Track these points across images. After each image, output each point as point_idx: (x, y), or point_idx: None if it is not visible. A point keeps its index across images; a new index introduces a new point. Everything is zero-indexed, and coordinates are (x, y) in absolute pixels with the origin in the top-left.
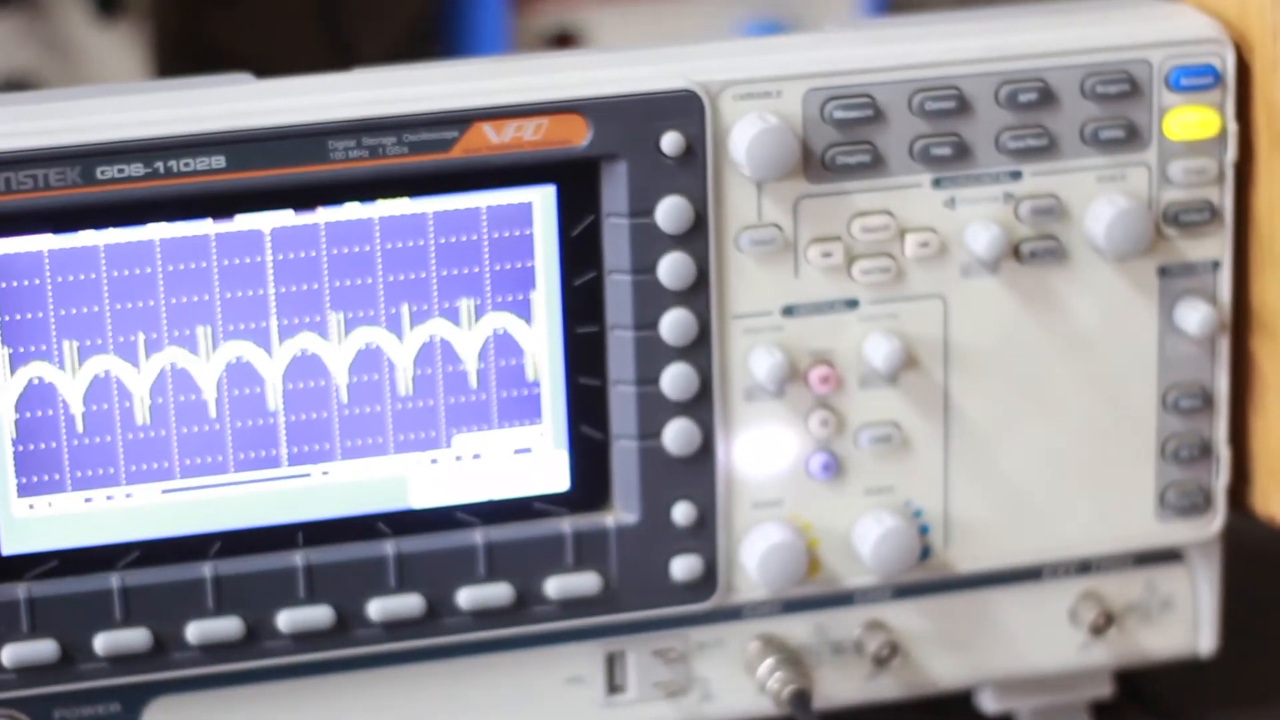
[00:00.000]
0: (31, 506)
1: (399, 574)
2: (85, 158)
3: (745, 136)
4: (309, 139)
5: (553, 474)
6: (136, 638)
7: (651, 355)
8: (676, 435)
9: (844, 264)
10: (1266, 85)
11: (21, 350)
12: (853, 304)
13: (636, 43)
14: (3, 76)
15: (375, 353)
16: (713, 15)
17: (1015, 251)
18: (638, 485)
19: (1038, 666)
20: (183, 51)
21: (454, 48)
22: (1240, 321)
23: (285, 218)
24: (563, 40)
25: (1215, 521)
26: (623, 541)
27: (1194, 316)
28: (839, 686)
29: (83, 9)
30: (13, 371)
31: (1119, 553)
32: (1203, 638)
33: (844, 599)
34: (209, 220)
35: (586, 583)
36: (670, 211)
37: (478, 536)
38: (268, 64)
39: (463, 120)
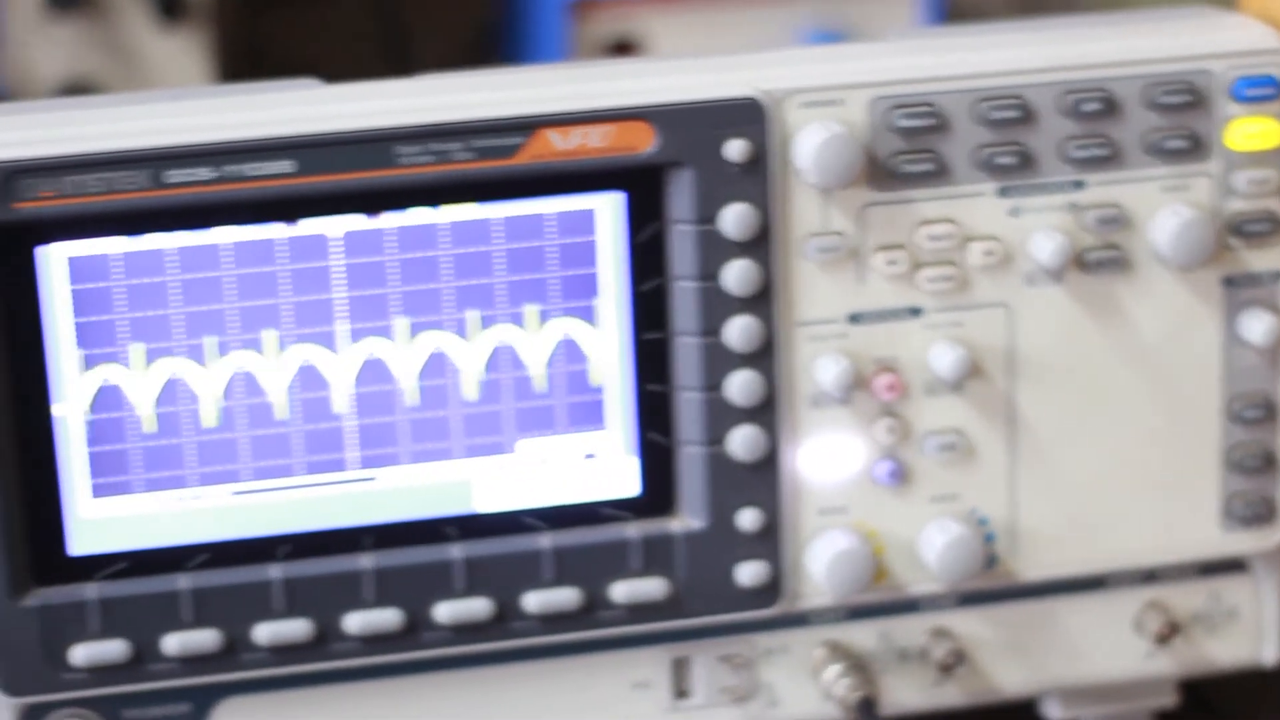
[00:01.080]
0: (102, 508)
1: (467, 577)
2: (155, 161)
3: (810, 144)
4: (376, 144)
5: (620, 479)
6: (206, 638)
7: (717, 362)
8: (743, 441)
9: (909, 272)
10: None
11: (92, 352)
12: (917, 312)
13: (696, 51)
14: (64, 81)
15: (442, 357)
16: (772, 23)
17: (1079, 260)
18: (704, 491)
19: (1102, 675)
20: (240, 57)
21: (513, 55)
22: None
23: (353, 222)
24: (622, 48)
25: (1279, 532)
26: (689, 547)
27: (1258, 327)
28: (903, 694)
29: (145, 14)
30: (83, 373)
31: (1183, 562)
32: (1267, 647)
33: (909, 606)
34: (277, 224)
35: (653, 588)
36: (736, 219)
37: (545, 541)
38: (324, 70)
39: (528, 126)
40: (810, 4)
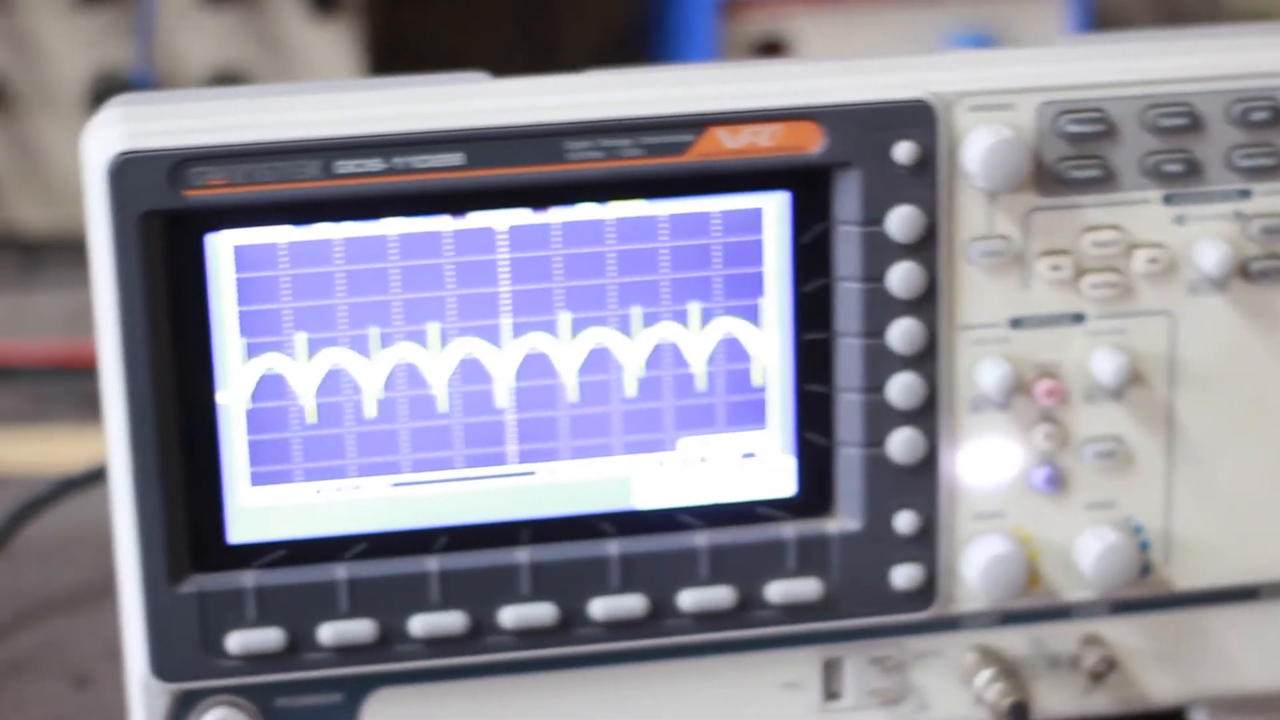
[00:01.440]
0: (262, 496)
1: (622, 574)
2: (325, 152)
3: (979, 148)
4: (546, 139)
5: (778, 479)
6: (361, 629)
7: (879, 363)
8: (902, 444)
9: (1072, 278)
10: None
11: (257, 341)
12: (1080, 318)
13: (844, 52)
14: (216, 70)
15: (604, 353)
16: (920, 26)
17: (1243, 270)
18: (862, 493)
19: (1253, 686)
20: (382, 49)
21: (659, 53)
22: None
23: (520, 216)
24: (770, 48)
25: None
26: (845, 548)
27: None
28: (1052, 700)
29: (299, 6)
30: (247, 361)
31: None
32: None
33: (1062, 612)
34: (445, 217)
35: (808, 588)
36: (902, 221)
37: (701, 539)
38: (464, 64)
39: (698, 124)
40: (958, 7)
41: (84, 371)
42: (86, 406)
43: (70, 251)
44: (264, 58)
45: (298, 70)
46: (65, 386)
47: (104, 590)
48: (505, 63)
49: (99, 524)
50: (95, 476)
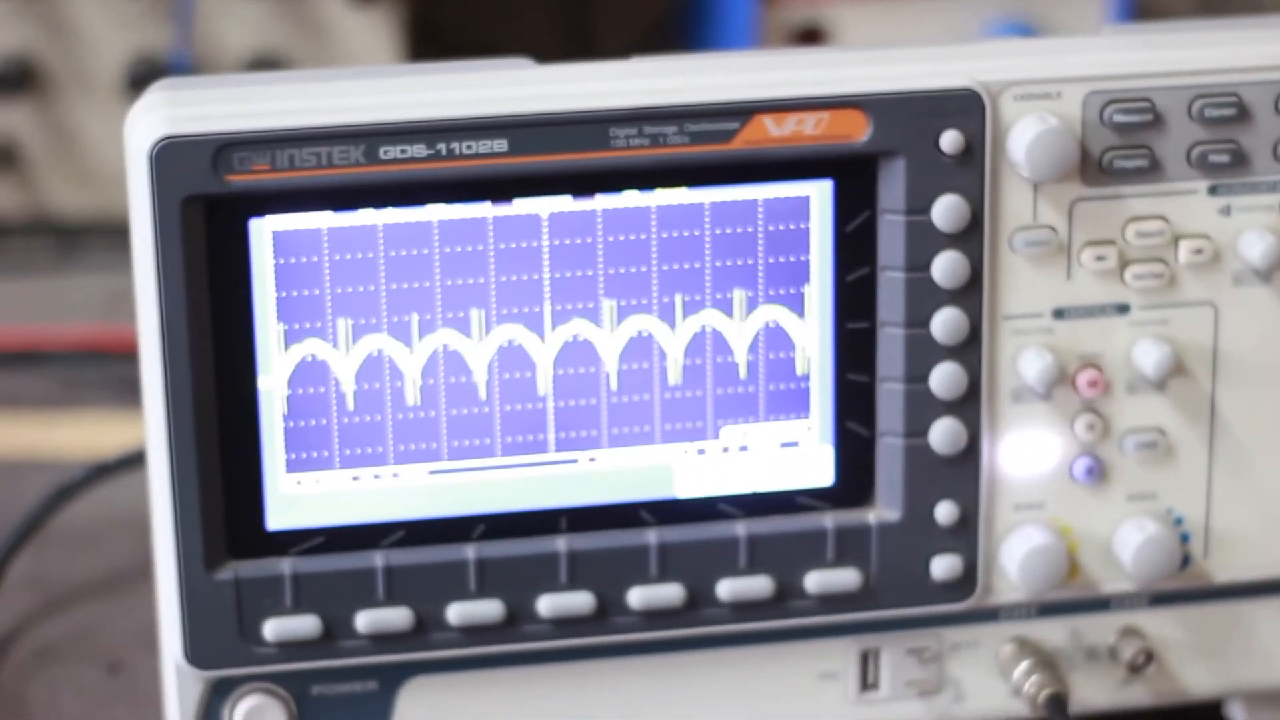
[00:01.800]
0: (299, 483)
1: (661, 563)
2: (369, 137)
3: (1025, 137)
4: (591, 125)
5: (817, 468)
6: (398, 617)
7: (922, 353)
8: (943, 434)
9: (1117, 268)
10: None
11: (296, 327)
12: (1124, 309)
13: (883, 40)
14: (254, 55)
15: (647, 341)
16: (960, 14)
17: None
18: (902, 483)
19: None
20: (418, 36)
21: (697, 40)
22: None
23: (564, 203)
24: (809, 36)
25: None
26: (884, 539)
27: None
28: (1091, 692)
29: None
30: (287, 347)
31: None
32: None
33: (1100, 604)
34: (488, 203)
35: (846, 578)
36: (947, 210)
37: (740, 529)
38: (501, 51)
39: (744, 112)
40: None
41: (119, 356)
42: (121, 391)
43: (106, 235)
44: (302, 43)
45: (335, 56)
46: (100, 371)
47: (137, 576)
48: (542, 50)
49: (132, 509)
50: (129, 462)
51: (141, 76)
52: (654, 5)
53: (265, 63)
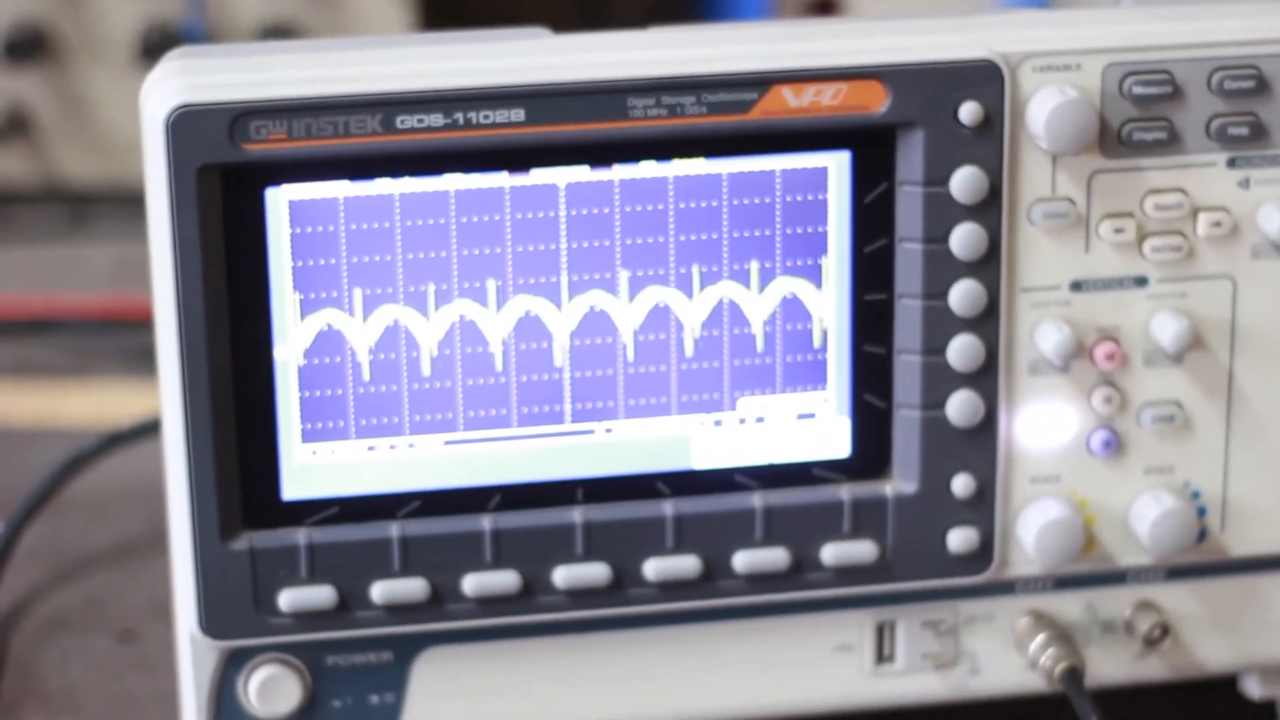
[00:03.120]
0: (315, 453)
1: (677, 534)
2: (387, 106)
3: (1044, 109)
4: (609, 95)
5: (834, 440)
6: (414, 587)
7: (939, 325)
8: (960, 406)
9: (1135, 241)
10: None
11: (313, 296)
12: (1142, 281)
13: (895, 11)
14: (267, 24)
15: (664, 312)
16: None
17: None
18: (918, 455)
19: None
20: (435, 6)
21: (711, 12)
22: None
23: (581, 173)
24: (823, 8)
25: None
26: (900, 511)
27: None
28: (1107, 666)
29: None
30: (303, 317)
31: None
32: None
33: (1117, 578)
34: (504, 173)
35: (862, 550)
36: (965, 182)
37: (756, 500)
38: (517, 21)
39: (763, 82)
40: None
41: (131, 324)
42: (133, 360)
43: (119, 204)
44: (315, 12)
45: (348, 25)
46: (112, 339)
47: (150, 545)
48: (557, 21)
49: (145, 478)
50: (142, 431)
51: (154, 45)
52: None
53: (278, 31)
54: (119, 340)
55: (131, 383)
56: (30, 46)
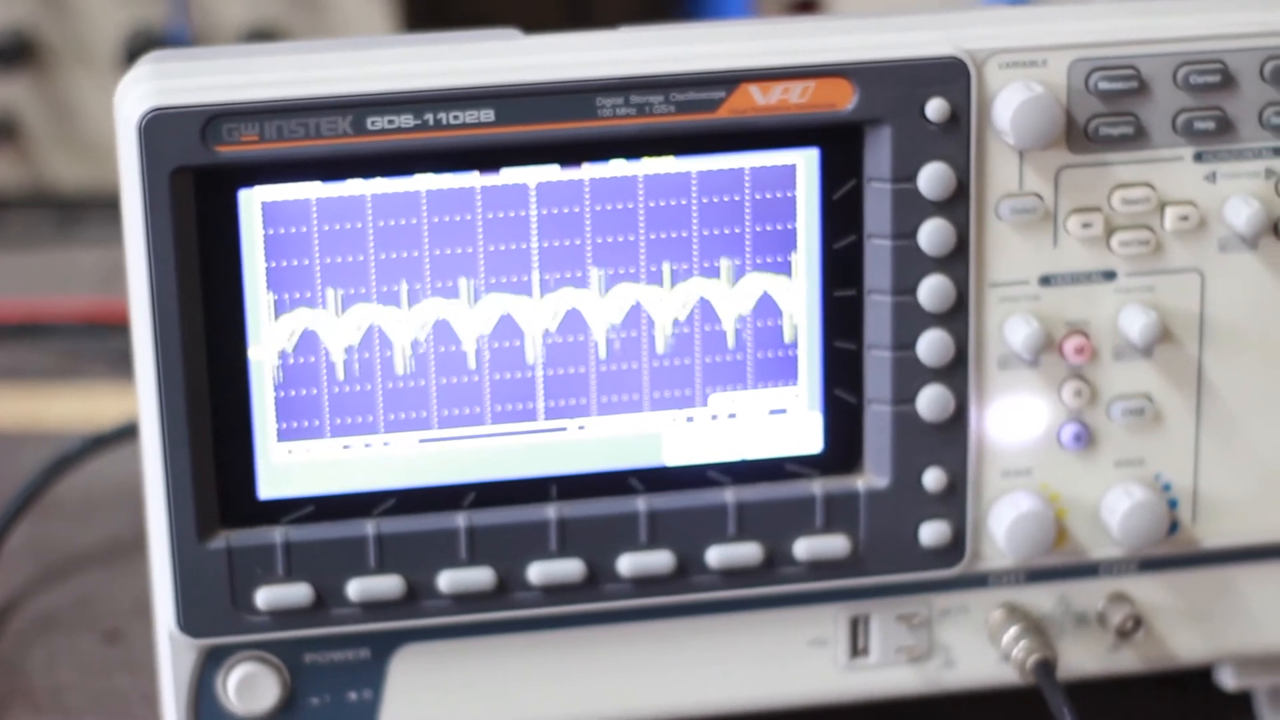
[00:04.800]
0: (290, 452)
1: (650, 530)
2: (357, 108)
3: (1010, 105)
4: (578, 95)
5: (806, 436)
6: (389, 585)
7: (909, 321)
8: (930, 401)
9: (1103, 235)
10: None
11: (286, 297)
12: (1110, 275)
13: (875, 9)
14: (251, 28)
15: (635, 310)
16: None
17: (1275, 228)
18: (890, 450)
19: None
20: (420, 8)
21: (694, 11)
22: None
23: (551, 172)
24: (805, 7)
25: None
26: (872, 505)
27: None
28: (1080, 658)
29: None
30: (277, 317)
31: None
32: None
33: (1089, 570)
34: (475, 173)
35: (835, 545)
36: (932, 178)
37: (729, 496)
38: (503, 22)
39: (730, 81)
40: None
41: (118, 328)
42: (120, 363)
43: (105, 209)
44: (299, 16)
45: (333, 28)
46: (99, 343)
47: (134, 546)
48: (542, 22)
49: (130, 480)
50: (126, 433)
51: (139, 50)
52: None
53: (263, 35)
54: (106, 343)
55: (118, 385)
56: (17, 53)
